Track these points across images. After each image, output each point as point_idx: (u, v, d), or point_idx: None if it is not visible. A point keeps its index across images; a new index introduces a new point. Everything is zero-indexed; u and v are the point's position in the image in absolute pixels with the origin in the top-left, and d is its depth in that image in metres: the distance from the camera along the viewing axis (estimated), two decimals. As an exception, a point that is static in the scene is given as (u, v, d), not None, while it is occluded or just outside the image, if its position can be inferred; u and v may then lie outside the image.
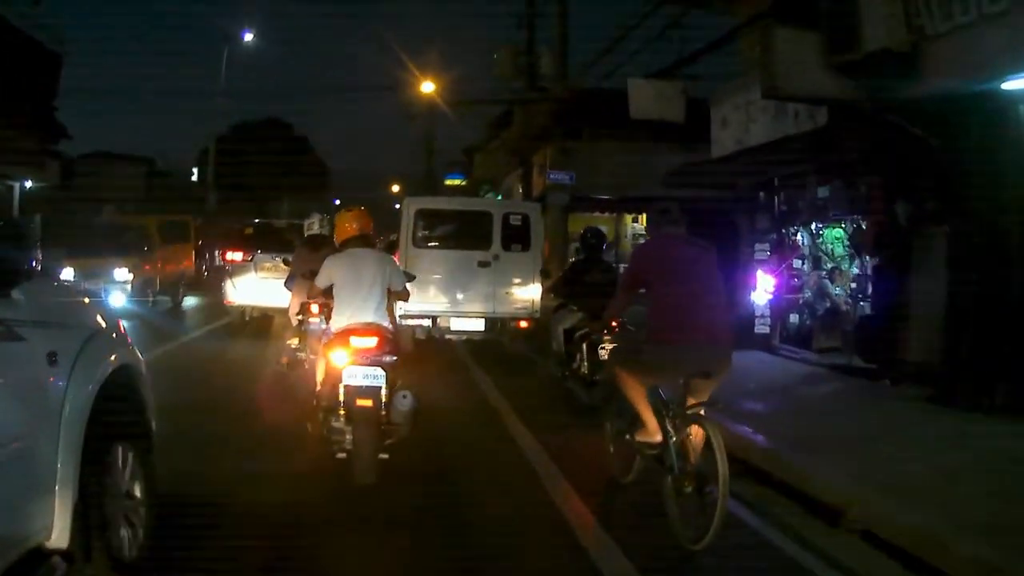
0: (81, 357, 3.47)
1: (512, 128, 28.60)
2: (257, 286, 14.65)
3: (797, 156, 11.26)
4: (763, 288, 12.65)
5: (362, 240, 6.68)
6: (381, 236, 40.22)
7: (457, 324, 12.44)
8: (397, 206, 54.96)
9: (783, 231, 12.93)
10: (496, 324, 12.50)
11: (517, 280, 12.52)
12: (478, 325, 12.46)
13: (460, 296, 12.43)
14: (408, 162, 68.91)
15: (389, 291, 6.52)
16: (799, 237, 12.90)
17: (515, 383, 10.29)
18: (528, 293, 12.50)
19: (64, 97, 21.50)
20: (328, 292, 6.56)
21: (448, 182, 40.91)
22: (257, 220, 20.22)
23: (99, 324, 3.96)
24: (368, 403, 5.82)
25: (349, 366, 5.95)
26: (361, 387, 5.87)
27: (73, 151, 34.94)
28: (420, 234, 12.51)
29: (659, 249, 5.58)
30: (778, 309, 12.74)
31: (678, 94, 13.71)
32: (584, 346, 8.64)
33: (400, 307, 11.02)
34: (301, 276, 8.54)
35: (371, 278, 6.37)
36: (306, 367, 8.15)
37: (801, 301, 12.70)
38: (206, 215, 31.43)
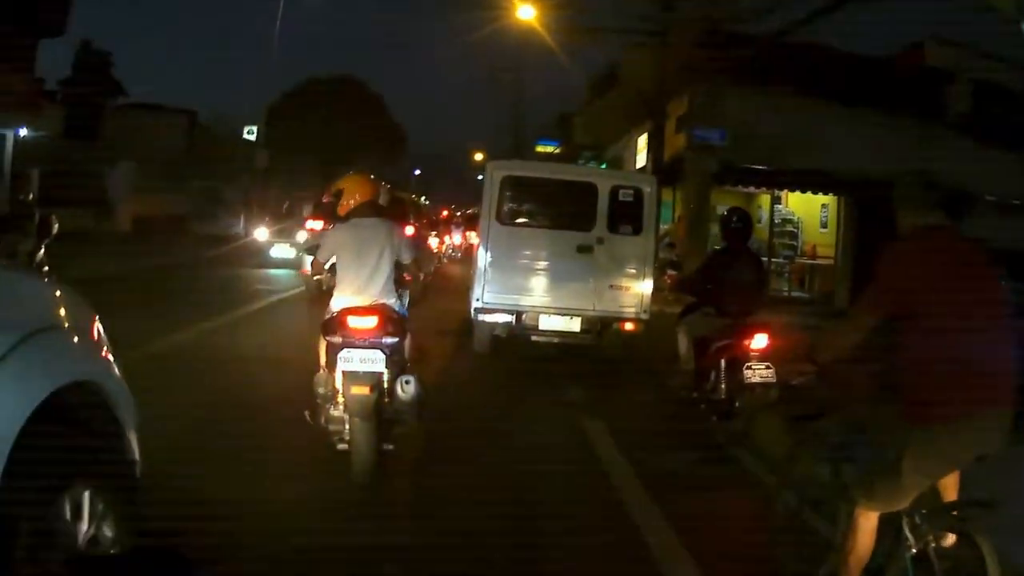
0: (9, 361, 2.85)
1: (620, 87, 26.58)
2: None
3: None
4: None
5: (370, 208, 6.50)
6: (459, 213, 39.46)
7: (547, 323, 11.01)
8: (480, 177, 54.19)
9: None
10: (596, 325, 11.09)
11: (625, 271, 11.08)
12: (573, 325, 11.03)
13: (553, 288, 11.01)
14: (492, 131, 67.80)
15: (398, 265, 6.43)
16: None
17: (618, 404, 9.07)
18: (637, 288, 11.07)
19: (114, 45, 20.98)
20: (333, 268, 6.43)
21: (540, 148, 39.11)
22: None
23: (49, 320, 3.32)
24: (365, 390, 5.75)
25: (345, 349, 5.85)
26: (358, 372, 5.80)
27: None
28: (507, 207, 11.11)
29: (927, 252, 3.75)
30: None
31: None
32: (723, 363, 7.63)
33: (476, 299, 10.65)
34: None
35: (378, 251, 6.27)
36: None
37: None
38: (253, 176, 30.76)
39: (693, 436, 7.64)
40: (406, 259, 6.48)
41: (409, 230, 14.77)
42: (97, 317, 3.70)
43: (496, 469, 6.33)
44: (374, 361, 5.83)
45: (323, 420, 6.04)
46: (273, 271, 21.62)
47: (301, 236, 19.68)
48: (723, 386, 7.59)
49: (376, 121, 52.39)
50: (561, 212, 11.16)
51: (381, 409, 5.91)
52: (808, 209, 22.69)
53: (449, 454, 6.66)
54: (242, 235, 29.61)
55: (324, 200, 16.75)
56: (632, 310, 10.98)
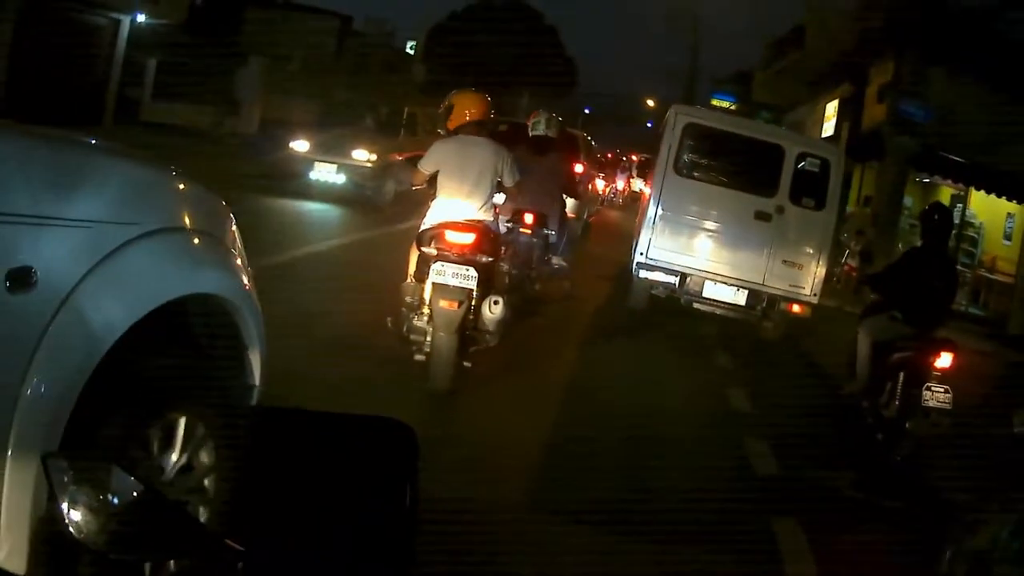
0: (96, 275, 2.49)
1: (808, 48, 25.47)
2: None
3: None
4: None
5: (478, 127, 6.71)
6: (624, 158, 39.08)
7: (712, 291, 10.55)
8: (649, 124, 53.19)
9: None
10: (762, 301, 10.54)
11: (801, 247, 10.52)
12: (739, 298, 10.54)
13: (723, 253, 10.53)
14: (665, 79, 66.56)
15: (500, 186, 6.76)
16: None
17: (775, 396, 8.37)
18: (811, 267, 10.51)
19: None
20: (433, 181, 6.65)
21: (715, 102, 38.00)
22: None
23: (172, 219, 3.00)
24: (453, 305, 5.91)
25: (439, 262, 6.01)
26: (448, 286, 5.95)
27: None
28: (686, 158, 10.64)
29: None
30: None
31: None
32: (900, 377, 7.00)
33: (640, 252, 10.40)
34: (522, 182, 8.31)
35: (480, 169, 6.53)
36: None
37: None
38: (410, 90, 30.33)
39: (854, 452, 7.17)
40: (508, 182, 6.79)
41: (579, 167, 14.71)
42: (234, 220, 3.46)
43: (616, 435, 6.04)
44: (467, 277, 5.98)
45: (405, 329, 6.23)
46: (309, 204, 16.26)
47: (359, 154, 16.93)
48: (896, 403, 7.03)
49: (547, 53, 51.92)
50: (743, 172, 10.66)
51: (465, 326, 6.09)
52: (992, 215, 20.57)
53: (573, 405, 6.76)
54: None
55: (500, 128, 16.65)
56: (804, 291, 10.44)
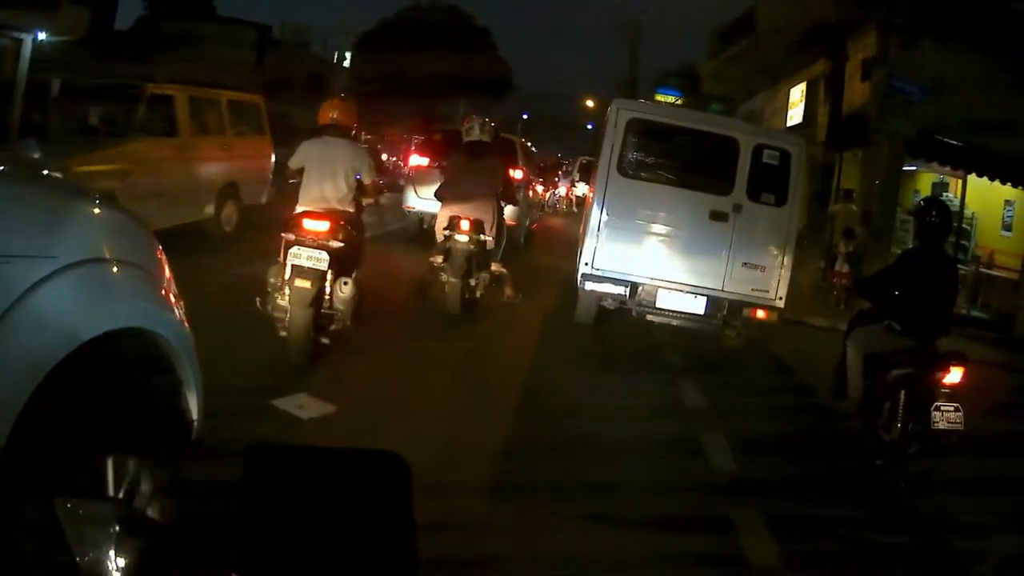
0: (25, 304, 2.48)
1: (760, 32, 24.90)
2: None
3: None
4: None
5: (338, 130, 7.89)
6: (567, 161, 38.73)
7: (666, 300, 9.93)
8: (590, 126, 53.09)
9: None
10: (721, 308, 9.95)
11: (763, 247, 9.97)
12: (696, 306, 9.93)
13: (677, 259, 9.92)
14: (604, 80, 66.66)
15: (360, 183, 7.87)
16: None
17: (750, 418, 7.78)
18: (775, 269, 9.95)
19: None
20: (301, 174, 7.77)
21: (660, 98, 37.63)
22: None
23: (93, 249, 2.93)
24: (307, 284, 6.86)
25: (296, 246, 7.00)
26: (303, 268, 6.92)
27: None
28: (631, 156, 10.00)
29: None
30: None
31: None
32: (902, 395, 6.57)
33: (584, 263, 9.97)
34: (451, 188, 9.96)
35: (340, 166, 7.68)
36: (445, 290, 9.63)
37: None
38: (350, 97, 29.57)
39: (852, 481, 6.60)
40: (367, 179, 7.93)
41: (518, 173, 15.36)
42: (160, 249, 3.39)
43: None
44: (319, 260, 6.97)
45: (270, 308, 7.10)
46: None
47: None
48: (899, 425, 6.56)
49: (481, 56, 51.49)
50: (694, 169, 10.05)
51: (319, 303, 7.09)
52: (985, 204, 18.76)
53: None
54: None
55: (435, 137, 18.59)
56: (768, 295, 9.90)
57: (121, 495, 2.93)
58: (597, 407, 7.40)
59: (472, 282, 10.08)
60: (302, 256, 6.94)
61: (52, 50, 21.08)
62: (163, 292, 3.33)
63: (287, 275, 6.96)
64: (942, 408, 6.17)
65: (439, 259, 9.82)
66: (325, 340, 7.24)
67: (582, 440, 6.35)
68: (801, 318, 12.93)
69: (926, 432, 6.24)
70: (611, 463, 6.05)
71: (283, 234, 7.17)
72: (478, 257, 9.98)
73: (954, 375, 6.33)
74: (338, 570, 1.40)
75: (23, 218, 2.68)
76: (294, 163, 7.88)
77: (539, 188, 24.12)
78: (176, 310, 3.39)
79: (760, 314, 9.92)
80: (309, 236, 7.08)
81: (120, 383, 3.03)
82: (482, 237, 9.92)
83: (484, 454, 5.74)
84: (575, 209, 31.63)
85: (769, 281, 9.89)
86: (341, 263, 7.26)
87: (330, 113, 7.96)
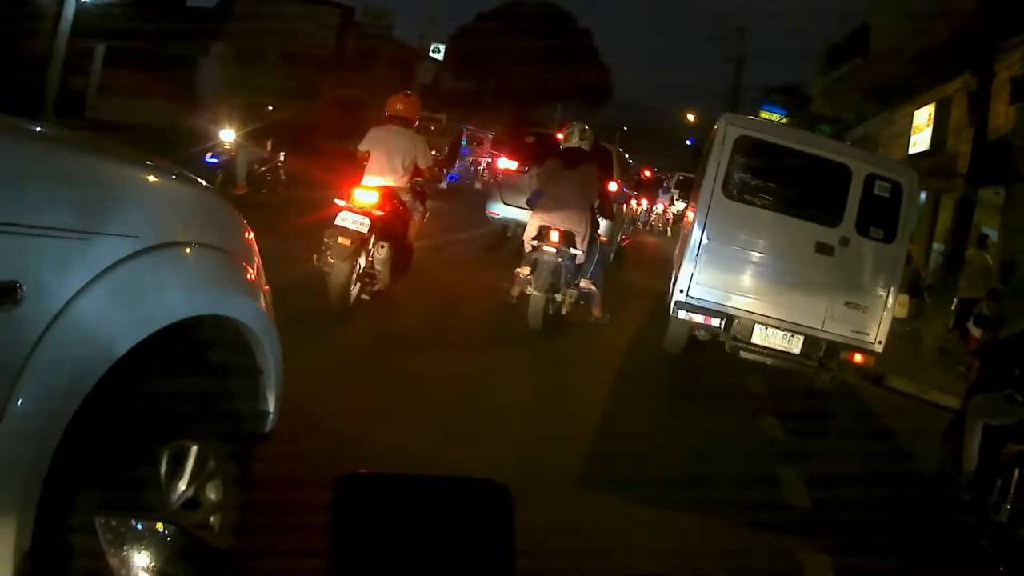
0: (100, 286, 2.48)
1: (874, 51, 23.96)
2: None
3: None
4: None
5: (402, 121, 9.28)
6: (666, 177, 38.17)
7: (762, 335, 9.62)
8: (690, 141, 52.60)
9: None
10: (819, 349, 9.62)
11: (868, 286, 9.65)
12: (793, 345, 9.62)
13: (777, 292, 9.62)
14: (705, 93, 66.13)
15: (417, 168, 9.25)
16: None
17: (852, 486, 7.07)
18: (877, 310, 9.60)
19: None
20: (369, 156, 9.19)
21: (764, 115, 36.89)
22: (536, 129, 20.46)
23: (176, 232, 2.94)
24: (347, 242, 8.26)
25: (344, 211, 8.41)
26: (347, 229, 8.30)
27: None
28: (737, 177, 9.72)
29: None
30: None
31: None
32: (1016, 473, 6.05)
33: (680, 289, 9.73)
34: (543, 195, 10.09)
35: (399, 151, 9.06)
36: (529, 303, 9.76)
37: None
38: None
39: (953, 559, 6.19)
40: (422, 164, 9.24)
41: (612, 186, 15.05)
42: (248, 230, 3.45)
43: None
44: (361, 224, 8.37)
45: (320, 261, 8.47)
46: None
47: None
48: (1009, 505, 6.07)
49: (581, 58, 51.15)
50: (803, 196, 9.78)
51: (355, 259, 8.49)
52: None
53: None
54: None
55: (527, 140, 18.37)
56: (867, 338, 9.55)
57: (189, 485, 3.00)
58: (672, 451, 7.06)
59: (558, 297, 10.05)
60: (348, 220, 8.34)
61: (101, 15, 20.71)
62: (248, 277, 3.36)
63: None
64: None
65: (526, 271, 9.79)
66: (366, 296, 8.92)
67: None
68: (920, 392, 11.75)
69: None
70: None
71: (335, 201, 8.67)
72: (567, 271, 9.92)
73: None
74: None
75: (104, 193, 2.67)
76: (362, 146, 9.26)
77: (633, 203, 23.71)
78: (261, 296, 3.42)
79: (858, 358, 9.61)
80: (357, 203, 8.52)
81: (196, 370, 3.07)
82: (572, 250, 9.83)
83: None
84: (670, 230, 30.88)
85: (870, 323, 9.56)
86: (384, 230, 8.71)
87: (396, 105, 9.38)
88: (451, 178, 9.76)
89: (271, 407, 3.53)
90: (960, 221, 14.22)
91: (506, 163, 17.61)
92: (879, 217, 9.59)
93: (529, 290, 9.69)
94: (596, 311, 10.88)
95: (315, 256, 8.52)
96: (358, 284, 8.80)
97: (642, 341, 11.00)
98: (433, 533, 1.40)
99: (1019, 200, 15.46)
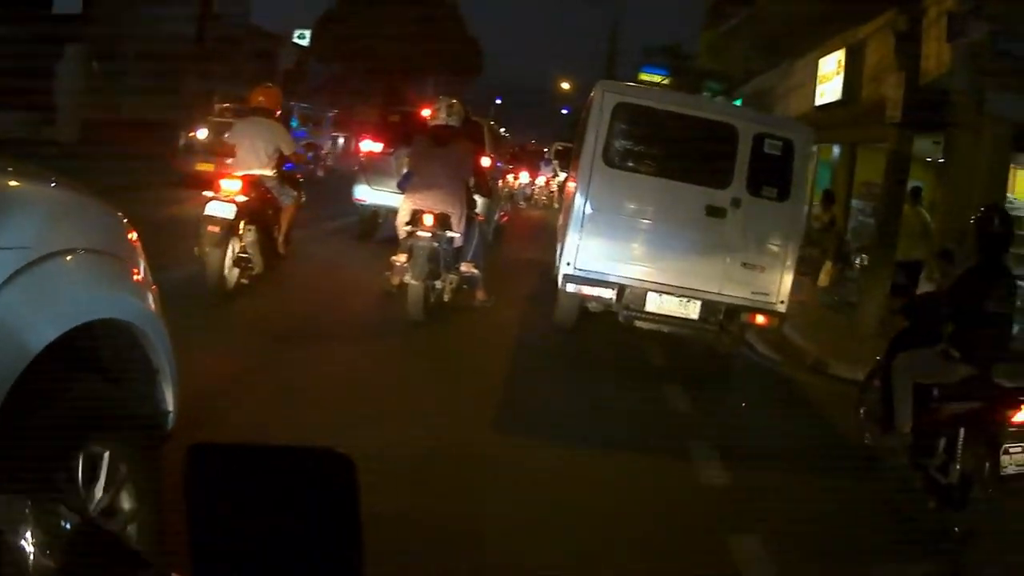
0: None
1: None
2: (395, 185, 12.74)
3: None
4: None
5: (263, 111, 9.99)
6: (546, 149, 38.11)
7: (656, 303, 9.56)
8: (566, 110, 52.43)
9: None
10: (718, 313, 9.63)
11: (765, 246, 9.67)
12: (691, 310, 9.57)
13: (669, 259, 9.57)
14: (582, 61, 66.45)
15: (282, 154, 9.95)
16: None
17: (771, 456, 7.11)
18: (776, 270, 9.64)
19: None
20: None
21: (644, 76, 36.66)
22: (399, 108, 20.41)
23: (65, 240, 3.08)
24: (216, 229, 8.81)
25: (212, 200, 8.95)
26: (215, 217, 8.85)
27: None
28: (618, 145, 9.62)
29: None
30: None
31: None
32: (961, 432, 6.09)
33: (566, 262, 9.69)
34: (413, 177, 9.94)
35: (263, 140, 9.72)
36: (408, 293, 9.54)
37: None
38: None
39: (906, 531, 6.14)
40: (286, 150, 9.94)
41: (485, 161, 14.78)
42: (132, 233, 3.55)
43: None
44: (226, 211, 8.85)
45: (198, 251, 8.91)
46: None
47: None
48: (958, 466, 6.08)
49: (448, 33, 50.96)
50: (689, 160, 9.71)
51: (225, 245, 8.93)
52: None
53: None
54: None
55: (391, 119, 17.77)
56: (768, 298, 9.58)
57: (100, 490, 3.07)
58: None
59: (438, 284, 9.94)
60: (215, 208, 8.86)
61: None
62: (135, 279, 3.49)
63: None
64: (1011, 451, 5.73)
65: (403, 258, 9.63)
66: (244, 281, 9.47)
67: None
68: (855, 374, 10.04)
69: (993, 476, 5.78)
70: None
71: (203, 192, 9.24)
72: (445, 256, 9.76)
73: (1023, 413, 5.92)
74: (282, 571, 1.44)
75: None
76: (229, 139, 10.02)
77: (510, 177, 23.53)
78: (149, 296, 3.54)
79: (760, 319, 9.66)
80: (221, 191, 9.06)
81: (93, 375, 3.18)
82: (449, 233, 9.70)
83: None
84: (557, 203, 30.79)
85: (770, 283, 9.59)
86: (251, 214, 9.32)
87: (258, 97, 10.20)
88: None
89: (170, 406, 3.64)
90: (895, 172, 13.22)
91: (370, 145, 16.95)
92: (771, 176, 9.61)
93: (407, 279, 9.50)
94: (480, 294, 10.75)
95: (196, 248, 8.93)
96: (236, 270, 9.35)
97: (532, 319, 10.98)
98: (278, 500, 1.45)
99: (959, 152, 13.80)
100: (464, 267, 10.41)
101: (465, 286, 10.63)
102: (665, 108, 9.90)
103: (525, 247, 17.83)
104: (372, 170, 15.80)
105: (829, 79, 19.64)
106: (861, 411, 7.92)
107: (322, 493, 1.45)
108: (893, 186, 13.32)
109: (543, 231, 21.10)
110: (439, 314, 9.91)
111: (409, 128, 14.39)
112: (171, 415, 3.67)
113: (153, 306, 3.57)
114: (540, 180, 33.03)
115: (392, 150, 14.65)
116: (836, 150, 18.68)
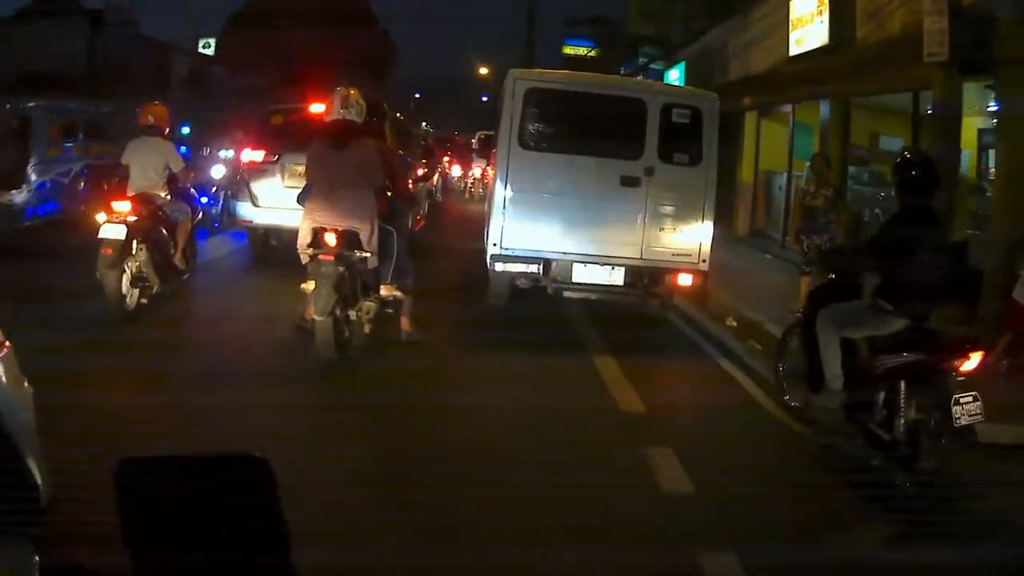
0: None
1: None
2: (286, 199, 11.38)
3: None
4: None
5: (153, 130, 10.43)
6: (474, 139, 37.66)
7: (582, 274, 10.43)
8: (485, 98, 51.71)
9: None
10: (642, 278, 10.49)
11: (682, 209, 10.49)
12: (615, 277, 10.45)
13: (590, 230, 10.42)
14: (503, 41, 66.06)
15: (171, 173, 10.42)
16: None
17: (701, 424, 7.64)
18: (695, 231, 10.49)
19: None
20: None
21: (568, 50, 36.30)
22: (282, 105, 16.58)
23: None
24: (108, 251, 9.21)
25: (105, 224, 9.37)
26: (108, 239, 9.26)
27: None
28: (532, 128, 10.48)
29: None
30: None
31: None
32: (902, 385, 6.17)
33: (493, 243, 10.35)
34: (319, 189, 8.57)
35: (152, 159, 10.23)
36: (316, 332, 8.21)
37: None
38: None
39: (856, 495, 6.22)
40: (175, 168, 10.38)
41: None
42: None
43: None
44: (119, 232, 9.30)
45: (98, 273, 9.24)
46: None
47: None
48: (902, 420, 6.10)
49: (359, 33, 51.11)
50: (601, 136, 10.56)
51: (120, 265, 9.35)
52: None
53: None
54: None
55: (273, 121, 15.23)
56: (689, 258, 10.42)
57: None
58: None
59: (352, 315, 8.60)
60: (108, 231, 9.26)
61: None
62: None
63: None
64: (961, 401, 5.77)
65: (311, 285, 8.15)
66: (144, 301, 9.87)
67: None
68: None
69: (945, 428, 5.84)
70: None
71: (96, 216, 9.65)
72: (355, 281, 8.56)
73: (972, 362, 5.98)
74: (216, 568, 1.56)
75: None
76: (123, 159, 10.40)
77: (420, 172, 22.80)
78: (12, 385, 3.30)
79: (685, 279, 10.38)
80: (115, 215, 9.45)
81: None
82: (358, 253, 8.40)
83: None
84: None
85: (691, 244, 10.39)
86: (143, 233, 9.71)
87: (147, 117, 10.48)
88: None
89: (38, 478, 3.30)
90: (945, 132, 10.91)
91: (251, 155, 14.33)
92: (682, 144, 10.44)
93: (312, 313, 8.16)
94: (405, 324, 9.35)
95: (97, 270, 9.26)
96: (135, 290, 9.81)
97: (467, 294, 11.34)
98: (204, 503, 1.58)
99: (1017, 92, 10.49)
100: (384, 291, 9.04)
101: (390, 310, 9.21)
102: (574, 89, 10.75)
103: (462, 241, 15.57)
104: (256, 184, 13.83)
105: (805, 23, 16.62)
106: (780, 368, 8.01)
107: (244, 493, 1.58)
108: (945, 151, 10.64)
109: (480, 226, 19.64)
110: (358, 350, 8.66)
111: (296, 129, 13.57)
112: (42, 488, 3.36)
113: (15, 393, 3.32)
114: (476, 172, 31.46)
115: (275, 157, 13.69)
116: (826, 108, 15.90)
